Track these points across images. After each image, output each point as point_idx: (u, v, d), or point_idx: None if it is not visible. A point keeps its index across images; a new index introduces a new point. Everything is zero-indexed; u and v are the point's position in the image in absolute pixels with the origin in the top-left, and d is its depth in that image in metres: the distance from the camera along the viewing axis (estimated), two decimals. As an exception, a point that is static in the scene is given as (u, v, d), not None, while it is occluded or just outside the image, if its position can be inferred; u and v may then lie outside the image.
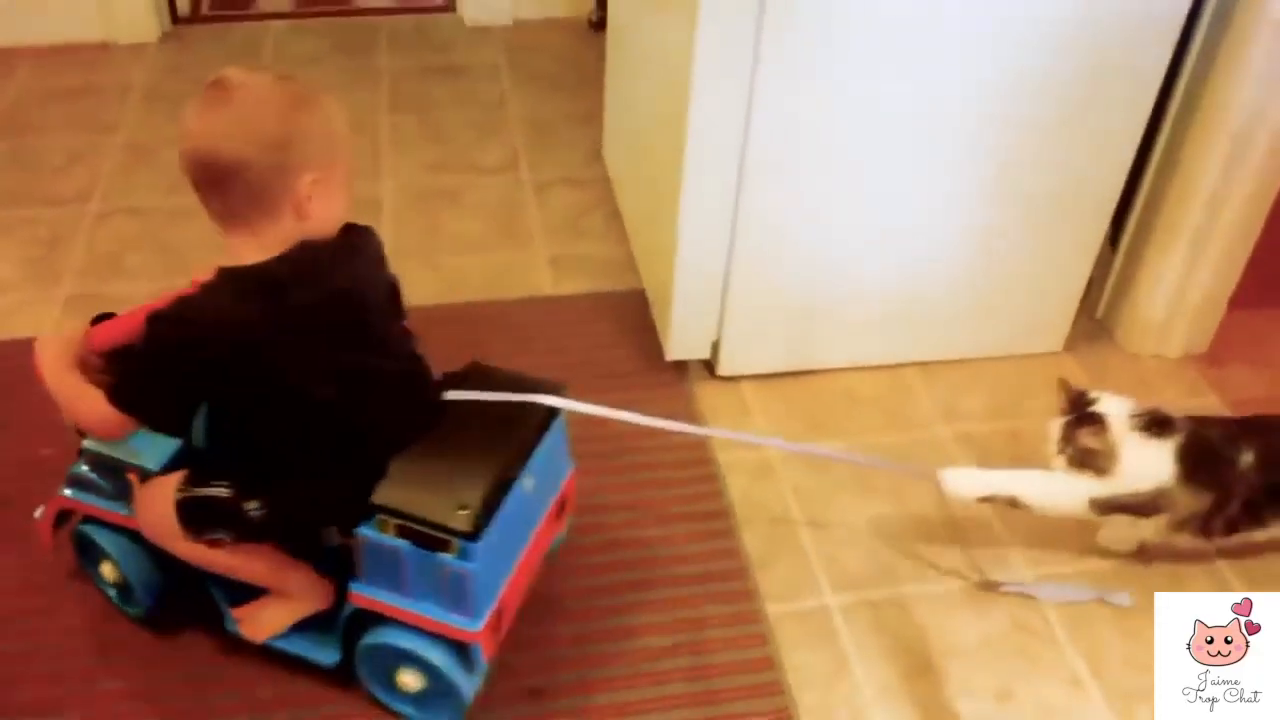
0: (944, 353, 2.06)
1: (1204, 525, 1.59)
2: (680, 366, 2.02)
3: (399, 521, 1.30)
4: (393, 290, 1.43)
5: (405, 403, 1.37)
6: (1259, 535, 1.63)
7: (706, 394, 1.98)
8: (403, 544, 1.30)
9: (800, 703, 1.50)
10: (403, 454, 1.34)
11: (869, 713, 1.50)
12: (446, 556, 1.29)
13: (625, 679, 1.52)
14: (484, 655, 1.38)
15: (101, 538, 1.49)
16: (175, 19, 3.14)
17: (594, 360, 2.05)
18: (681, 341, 1.97)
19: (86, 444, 1.47)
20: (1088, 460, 1.55)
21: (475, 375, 1.47)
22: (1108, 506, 1.58)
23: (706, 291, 1.90)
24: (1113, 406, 1.58)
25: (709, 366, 2.02)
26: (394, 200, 2.47)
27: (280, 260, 1.24)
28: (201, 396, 1.31)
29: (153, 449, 1.43)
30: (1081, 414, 1.57)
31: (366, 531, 1.31)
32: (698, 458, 1.85)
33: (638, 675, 1.53)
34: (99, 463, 1.46)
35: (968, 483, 1.62)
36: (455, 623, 1.33)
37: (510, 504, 1.34)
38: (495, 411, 1.40)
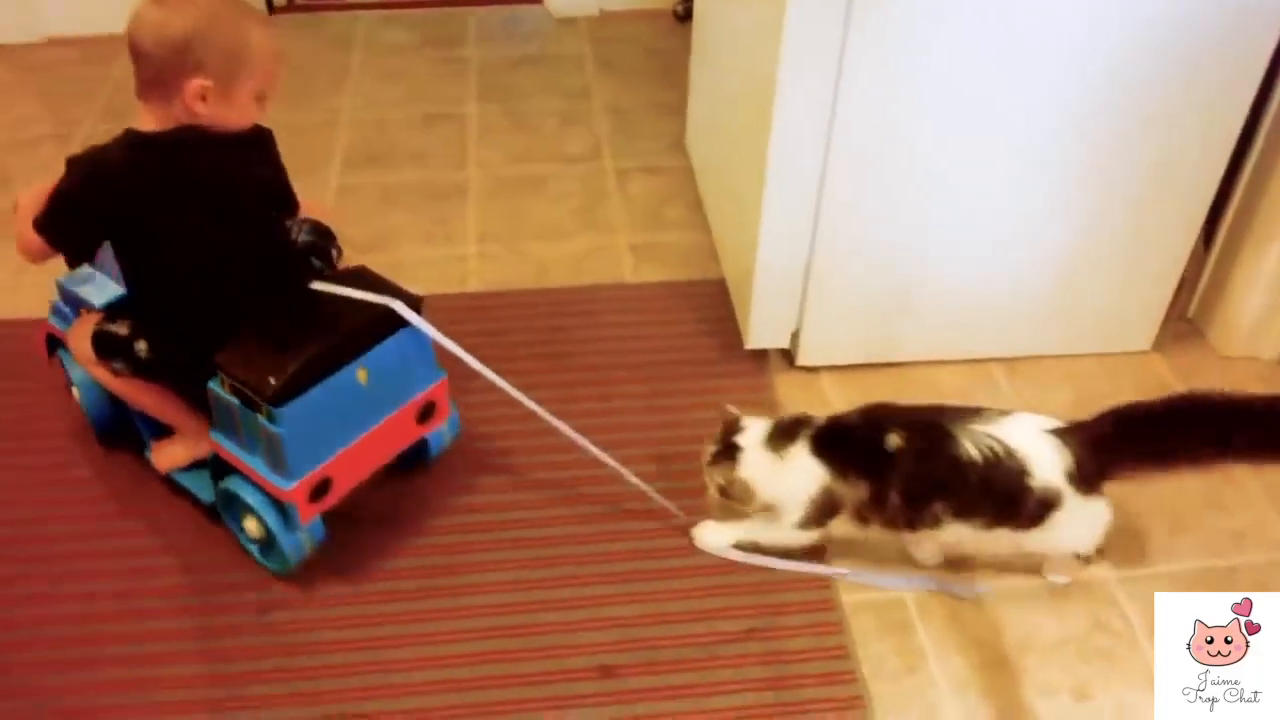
0: (1029, 348, 2.03)
1: (876, 514, 1.56)
2: (759, 356, 2.03)
3: (230, 380, 1.51)
4: (278, 187, 1.66)
5: (261, 280, 1.60)
6: (947, 535, 1.56)
7: (785, 384, 1.99)
8: (234, 400, 1.52)
9: (874, 693, 1.50)
10: (253, 325, 1.55)
11: (943, 706, 1.49)
12: (261, 417, 1.49)
13: (697, 661, 1.54)
14: (301, 517, 1.56)
15: (68, 363, 1.77)
16: (271, 8, 3.24)
17: (674, 347, 2.07)
18: (761, 330, 1.98)
19: (59, 280, 1.75)
20: (730, 493, 1.60)
21: (351, 276, 1.65)
22: (807, 524, 1.59)
23: (787, 280, 1.90)
24: (752, 435, 1.58)
25: (788, 356, 2.02)
26: (479, 187, 2.51)
27: (169, 132, 1.49)
28: (96, 232, 1.53)
29: (102, 292, 1.69)
30: (722, 447, 1.59)
31: (213, 385, 1.54)
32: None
33: (710, 658, 1.54)
34: (66, 298, 1.76)
35: (714, 538, 1.67)
36: (272, 480, 1.54)
37: (332, 387, 1.52)
38: (352, 310, 1.58)
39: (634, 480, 1.69)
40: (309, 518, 1.58)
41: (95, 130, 2.70)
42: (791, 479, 1.56)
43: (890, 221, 1.84)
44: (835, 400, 1.95)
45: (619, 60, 3.02)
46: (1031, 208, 1.85)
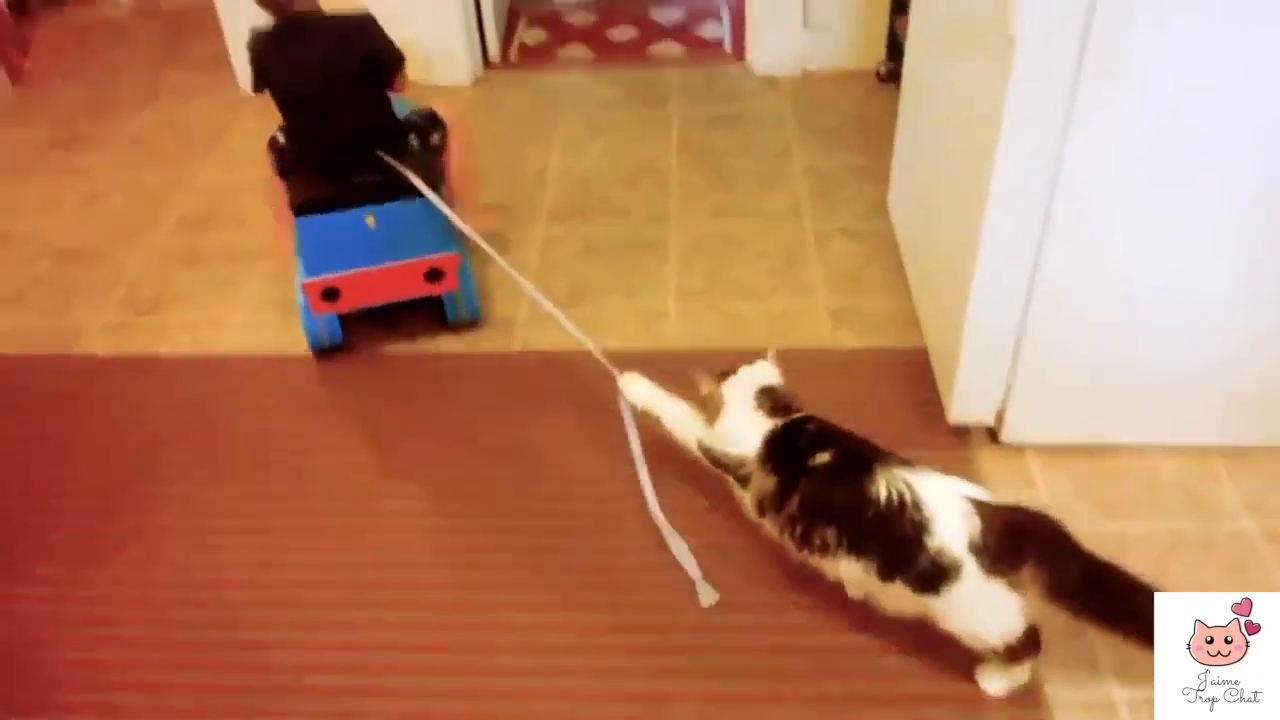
0: (1256, 438, 1.91)
1: (772, 511, 1.59)
2: (961, 431, 1.97)
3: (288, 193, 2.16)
4: (375, 62, 2.12)
5: (352, 132, 2.14)
6: (843, 570, 1.54)
7: (988, 461, 1.92)
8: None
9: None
10: (331, 160, 2.14)
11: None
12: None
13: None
14: (313, 307, 2.14)
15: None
16: (487, 64, 3.40)
17: (871, 416, 1.99)
18: (965, 404, 1.93)
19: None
20: (705, 405, 1.73)
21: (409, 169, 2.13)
22: (708, 456, 1.71)
23: (995, 354, 1.85)
24: (754, 374, 1.72)
25: (992, 433, 1.96)
26: (680, 242, 2.55)
27: (277, 26, 2.08)
28: (265, 89, 2.15)
29: None
30: (730, 371, 1.74)
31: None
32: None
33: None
34: None
35: (636, 389, 1.83)
36: (300, 271, 2.17)
37: (342, 218, 2.10)
38: (387, 171, 2.11)
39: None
40: (319, 310, 2.16)
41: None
42: (742, 429, 1.66)
43: (1107, 295, 1.76)
44: (1041, 483, 1.88)
45: (820, 121, 3.02)
46: (1257, 287, 1.73)
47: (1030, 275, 1.75)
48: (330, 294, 2.13)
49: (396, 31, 2.15)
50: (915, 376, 2.10)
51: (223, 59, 3.35)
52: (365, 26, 2.09)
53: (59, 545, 1.89)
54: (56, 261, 2.65)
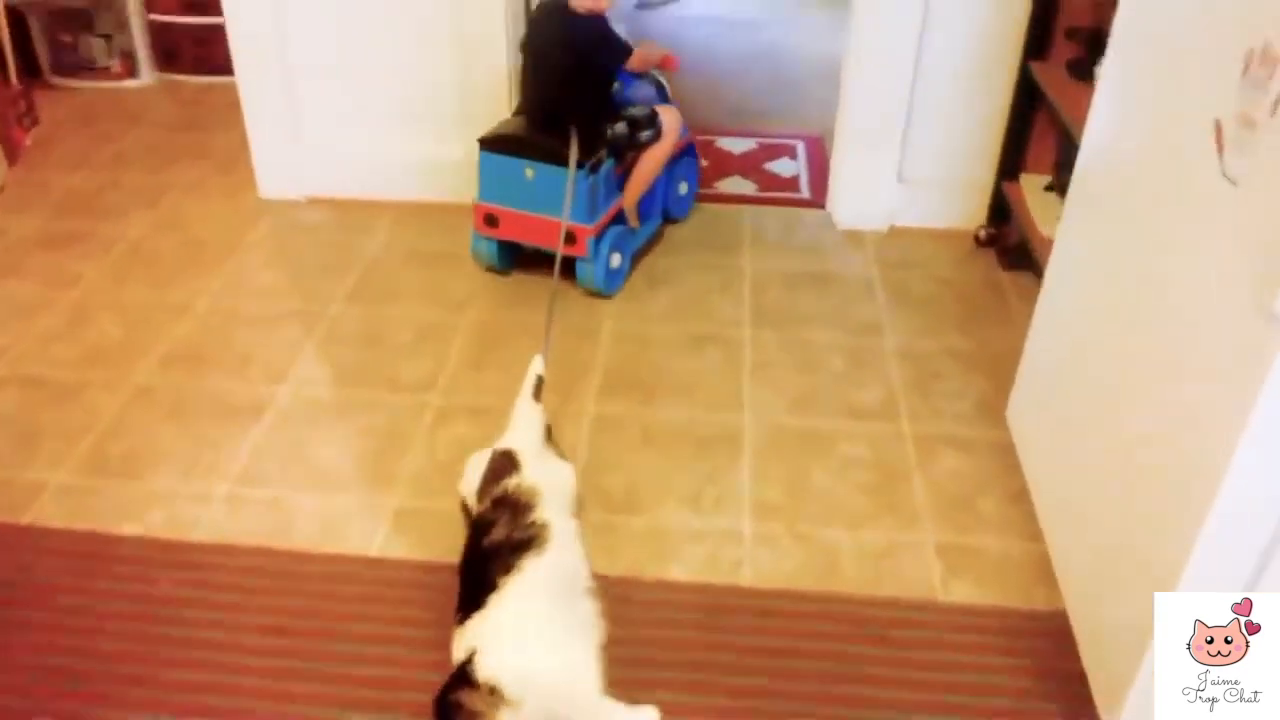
0: None
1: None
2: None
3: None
4: (601, 52, 2.52)
5: (574, 101, 2.52)
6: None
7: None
8: None
9: None
10: (542, 119, 2.57)
11: None
12: None
13: None
14: (476, 225, 2.60)
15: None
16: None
17: (989, 703, 1.62)
18: (1136, 702, 1.50)
19: None
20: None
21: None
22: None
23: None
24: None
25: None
26: (755, 437, 2.15)
27: (545, 5, 2.57)
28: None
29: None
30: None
31: None
32: None
33: None
34: None
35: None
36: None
37: (510, 163, 2.51)
38: (564, 142, 2.46)
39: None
40: (480, 229, 2.60)
41: (344, 313, 2.52)
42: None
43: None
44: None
45: (912, 289, 2.65)
46: None
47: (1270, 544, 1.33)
48: (490, 219, 2.58)
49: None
50: (1051, 651, 1.69)
51: (242, 154, 3.00)
52: (597, 25, 2.50)
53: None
54: (23, 391, 2.26)
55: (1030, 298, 2.08)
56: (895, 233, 2.89)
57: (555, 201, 2.43)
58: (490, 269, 2.66)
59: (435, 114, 2.87)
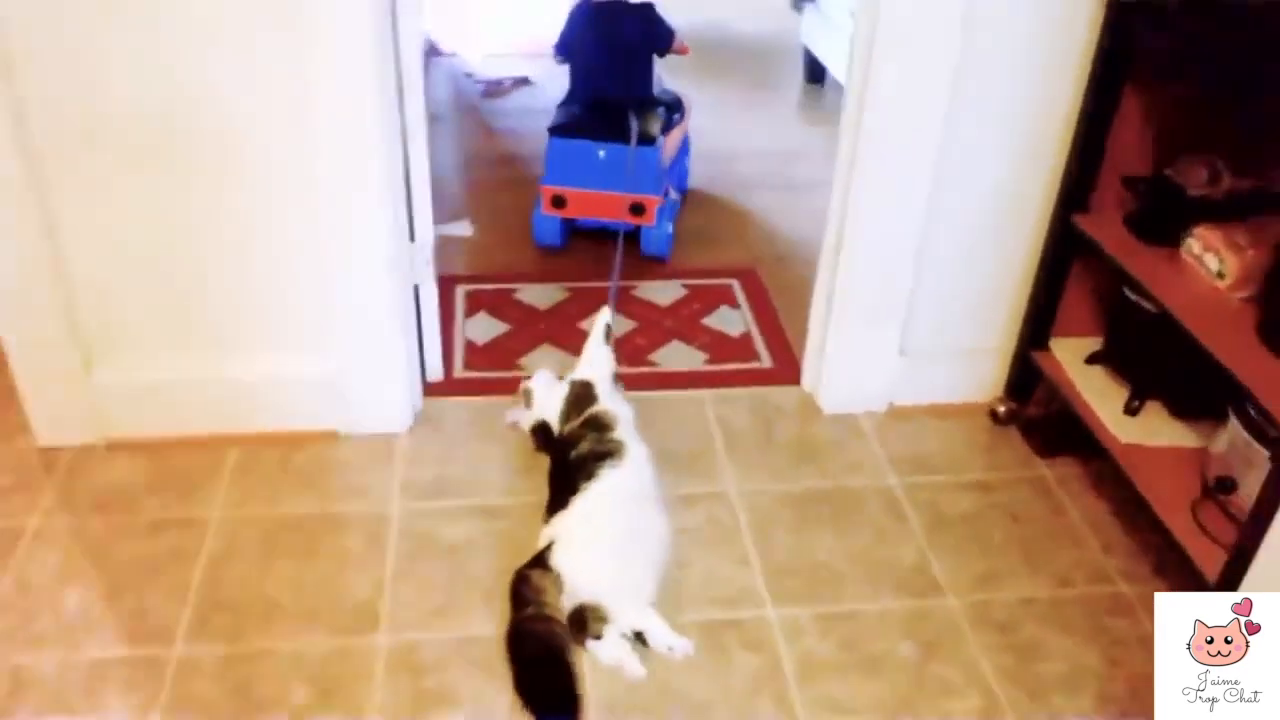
0: None
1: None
2: None
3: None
4: (648, 41, 2.89)
5: (624, 89, 2.89)
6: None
7: None
8: None
9: None
10: (595, 108, 2.88)
11: None
12: None
13: None
14: (544, 205, 2.82)
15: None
16: (426, 388, 2.30)
17: None
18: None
19: None
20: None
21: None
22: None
23: None
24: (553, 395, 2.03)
25: None
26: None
27: (586, 8, 2.94)
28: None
29: None
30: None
31: None
32: None
33: None
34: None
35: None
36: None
37: (580, 145, 2.78)
38: (626, 126, 2.76)
39: None
40: (548, 211, 2.82)
41: (192, 657, 1.70)
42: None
43: None
44: None
45: (944, 503, 2.08)
46: None
47: None
48: (559, 201, 2.77)
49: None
50: None
51: (9, 400, 2.11)
52: (648, 12, 2.86)
53: None
54: None
55: (1081, 494, 1.91)
56: (896, 414, 2.32)
57: (623, 177, 2.71)
58: (549, 248, 2.90)
59: (286, 319, 2.08)
